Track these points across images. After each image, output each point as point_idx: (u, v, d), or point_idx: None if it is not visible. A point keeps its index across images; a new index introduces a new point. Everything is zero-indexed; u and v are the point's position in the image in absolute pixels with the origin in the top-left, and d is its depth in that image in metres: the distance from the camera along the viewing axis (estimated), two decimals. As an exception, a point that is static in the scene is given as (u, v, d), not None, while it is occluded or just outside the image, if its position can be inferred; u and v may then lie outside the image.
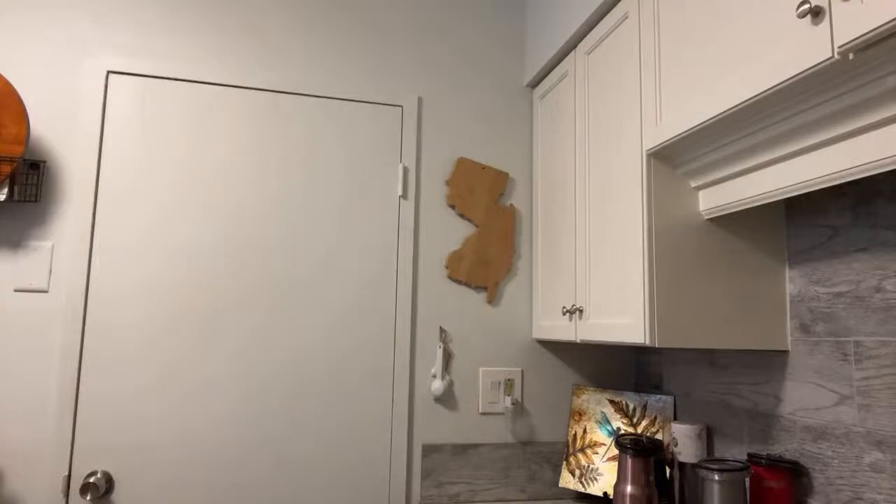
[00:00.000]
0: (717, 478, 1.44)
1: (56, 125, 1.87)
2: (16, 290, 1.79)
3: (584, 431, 2.04)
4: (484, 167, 2.20)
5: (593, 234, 1.77)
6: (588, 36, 1.86)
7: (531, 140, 2.27)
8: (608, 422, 2.00)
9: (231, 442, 1.89)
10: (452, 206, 2.16)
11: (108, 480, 1.78)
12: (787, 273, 1.52)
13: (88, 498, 1.71)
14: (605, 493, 1.85)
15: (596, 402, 2.06)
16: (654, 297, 1.45)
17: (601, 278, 1.72)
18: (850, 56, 0.95)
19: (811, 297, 1.44)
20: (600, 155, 1.76)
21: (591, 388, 2.09)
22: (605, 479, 1.92)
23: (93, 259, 1.85)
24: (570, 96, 1.97)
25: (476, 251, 2.16)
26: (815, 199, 1.44)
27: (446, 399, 2.07)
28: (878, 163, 1.04)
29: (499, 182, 2.21)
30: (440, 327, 2.10)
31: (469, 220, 2.17)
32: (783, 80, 1.07)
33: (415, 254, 2.11)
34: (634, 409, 1.97)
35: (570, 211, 1.92)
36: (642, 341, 1.46)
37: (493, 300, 2.16)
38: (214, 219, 1.95)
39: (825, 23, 0.98)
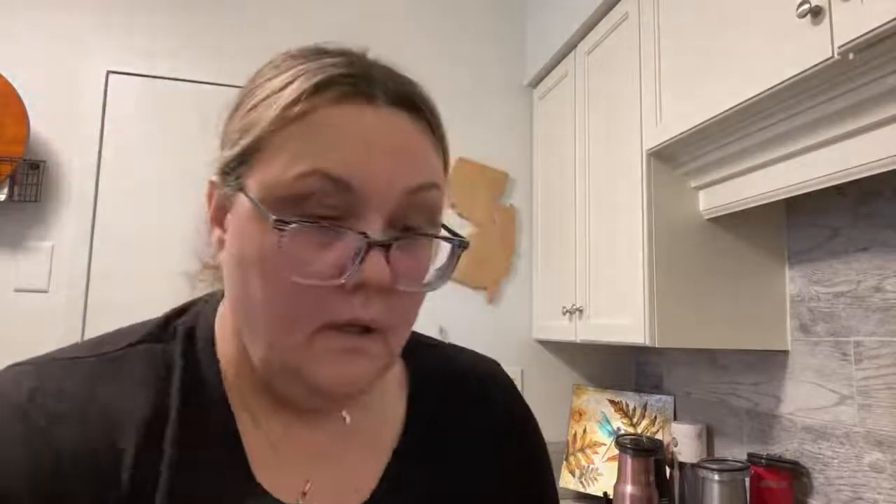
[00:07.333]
0: (716, 478, 1.44)
1: (56, 125, 1.87)
2: (16, 290, 1.79)
3: (584, 431, 2.04)
4: (484, 167, 2.20)
5: (593, 233, 1.77)
6: (588, 36, 1.86)
7: (531, 140, 2.27)
8: (608, 422, 2.00)
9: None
10: (452, 206, 2.16)
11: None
12: (787, 273, 1.52)
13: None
14: (605, 493, 1.85)
15: (596, 402, 2.06)
16: (654, 297, 1.45)
17: (601, 278, 1.71)
18: (850, 56, 0.95)
19: (811, 297, 1.44)
20: (600, 155, 1.76)
21: (591, 388, 2.09)
22: (605, 479, 1.92)
23: (93, 259, 1.85)
24: (569, 96, 1.97)
25: (476, 251, 2.15)
26: (815, 199, 1.44)
27: (446, 399, 2.07)
28: (878, 163, 1.04)
29: (498, 182, 2.20)
30: (440, 327, 2.10)
31: (468, 219, 2.17)
32: (783, 80, 1.07)
33: (415, 254, 2.10)
34: (634, 409, 1.97)
35: (570, 211, 1.91)
36: (642, 341, 1.46)
37: (492, 300, 2.15)
38: (214, 219, 1.95)
39: (825, 23, 0.98)
